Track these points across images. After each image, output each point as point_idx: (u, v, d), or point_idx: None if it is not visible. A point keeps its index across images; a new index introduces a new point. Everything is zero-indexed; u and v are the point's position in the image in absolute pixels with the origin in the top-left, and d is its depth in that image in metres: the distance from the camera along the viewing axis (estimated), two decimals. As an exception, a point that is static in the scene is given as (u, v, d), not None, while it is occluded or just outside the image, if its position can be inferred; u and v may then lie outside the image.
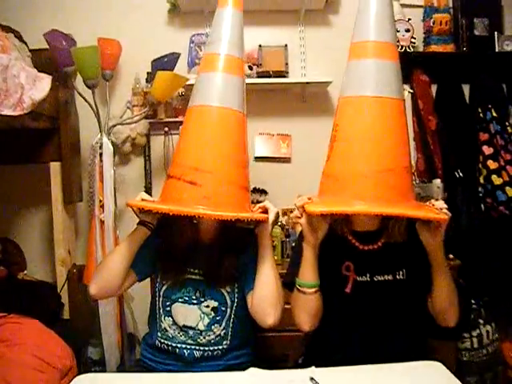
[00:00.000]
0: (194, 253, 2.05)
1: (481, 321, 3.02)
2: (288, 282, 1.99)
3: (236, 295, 2.04)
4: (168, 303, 2.05)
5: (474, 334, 2.99)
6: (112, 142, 3.18)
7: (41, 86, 2.45)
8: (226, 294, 2.03)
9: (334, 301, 1.93)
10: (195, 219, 2.02)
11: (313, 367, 1.75)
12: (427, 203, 1.82)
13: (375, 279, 1.92)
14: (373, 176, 1.70)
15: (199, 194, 1.84)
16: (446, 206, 1.76)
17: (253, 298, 1.97)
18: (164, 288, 2.06)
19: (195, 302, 2.02)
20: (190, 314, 2.02)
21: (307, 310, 1.88)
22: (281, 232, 3.36)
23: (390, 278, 1.92)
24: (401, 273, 1.93)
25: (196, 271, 2.04)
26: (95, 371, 1.88)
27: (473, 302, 3.04)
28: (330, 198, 1.78)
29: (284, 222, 3.45)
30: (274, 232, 3.33)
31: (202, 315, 2.02)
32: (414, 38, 3.42)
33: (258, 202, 3.42)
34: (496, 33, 3.40)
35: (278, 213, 2.02)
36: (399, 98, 1.78)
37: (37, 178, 3.30)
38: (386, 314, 1.91)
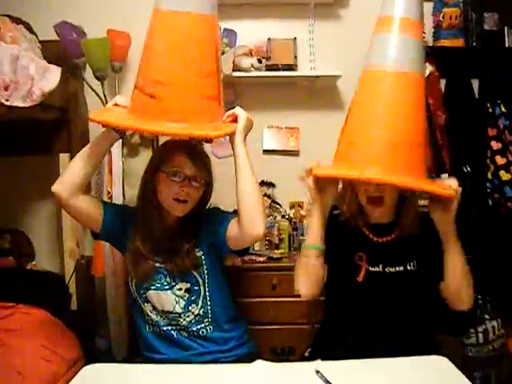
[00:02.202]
0: (158, 245, 2.06)
1: (487, 316, 3.02)
2: None
3: (205, 272, 2.06)
4: (142, 291, 2.08)
5: (480, 329, 2.99)
6: (121, 134, 3.18)
7: (50, 78, 2.46)
8: (195, 273, 2.05)
9: (345, 289, 1.96)
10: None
11: (318, 360, 1.76)
12: (437, 179, 1.84)
13: (387, 270, 1.95)
14: (385, 146, 1.73)
15: (158, 109, 1.79)
16: (456, 183, 1.78)
17: (239, 208, 1.92)
18: (135, 280, 2.08)
19: (167, 287, 2.05)
20: (165, 299, 2.05)
21: (307, 273, 1.89)
22: (288, 225, 3.37)
23: (402, 269, 1.94)
24: (412, 264, 1.95)
25: (160, 261, 2.06)
26: (103, 362, 1.88)
27: (479, 297, 3.04)
28: (341, 164, 1.82)
29: (292, 215, 3.46)
30: (282, 225, 3.34)
31: (177, 298, 2.05)
32: (424, 33, 3.37)
33: (266, 195, 3.47)
34: (506, 28, 3.37)
35: (249, 118, 1.99)
36: (420, 74, 1.81)
37: (46, 169, 3.31)
38: (396, 306, 1.93)
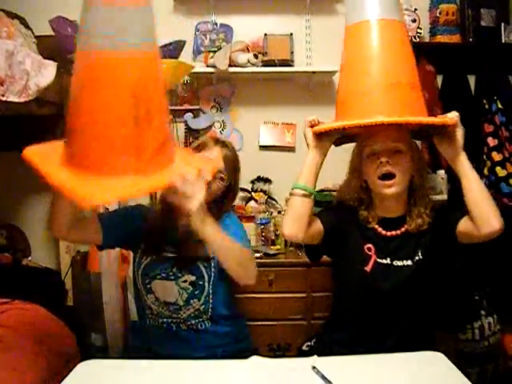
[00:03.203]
0: (171, 233, 2.08)
1: (482, 312, 3.02)
2: None
3: (212, 269, 2.06)
4: (147, 281, 2.08)
5: (476, 325, 2.99)
6: (117, 130, 3.18)
7: (46, 73, 2.45)
8: (202, 268, 2.05)
9: (353, 278, 1.99)
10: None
11: (315, 356, 1.76)
12: (439, 115, 1.89)
13: (395, 264, 1.96)
14: (382, 90, 1.76)
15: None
16: (456, 114, 1.83)
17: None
18: (142, 266, 2.09)
19: (172, 277, 2.05)
20: (169, 289, 2.06)
21: (292, 212, 1.90)
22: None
23: (410, 263, 1.96)
24: (418, 255, 1.96)
25: (172, 250, 2.08)
26: (99, 357, 1.88)
27: (475, 293, 3.05)
28: (340, 120, 1.85)
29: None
30: (278, 221, 3.34)
31: (181, 290, 2.05)
32: (420, 28, 3.40)
33: (262, 190, 3.47)
34: (503, 24, 3.38)
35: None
36: (400, 20, 1.85)
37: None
38: (399, 298, 1.94)
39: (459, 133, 1.83)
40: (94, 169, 1.43)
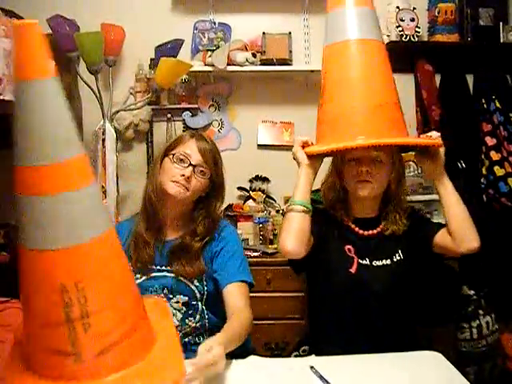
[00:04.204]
0: (160, 249, 2.00)
1: (481, 312, 3.03)
2: None
3: (205, 287, 1.99)
4: None
5: (474, 324, 3.00)
6: (115, 128, 3.18)
7: (44, 72, 2.44)
8: (194, 288, 1.98)
9: (339, 280, 1.97)
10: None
11: (313, 355, 1.77)
12: (421, 135, 1.93)
13: (374, 264, 1.96)
14: (365, 112, 1.76)
15: None
16: (438, 134, 1.85)
17: None
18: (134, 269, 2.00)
19: (164, 299, 1.96)
20: None
21: (293, 228, 1.86)
22: (282, 220, 3.36)
23: (388, 262, 1.97)
24: (397, 254, 1.98)
25: (163, 268, 2.00)
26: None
27: (473, 292, 3.05)
28: (328, 140, 1.83)
29: (286, 210, 3.45)
30: (276, 220, 3.35)
31: (174, 311, 1.98)
32: (419, 28, 3.40)
33: (260, 189, 3.47)
34: (501, 23, 3.39)
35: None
36: (380, 40, 1.86)
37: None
38: (384, 297, 1.95)
39: (441, 151, 1.84)
40: (37, 370, 1.36)
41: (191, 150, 1.96)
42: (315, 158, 1.87)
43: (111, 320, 1.35)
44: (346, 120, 1.78)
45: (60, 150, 1.29)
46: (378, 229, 1.99)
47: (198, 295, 1.98)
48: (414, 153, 1.97)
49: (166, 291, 1.98)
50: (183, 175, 1.91)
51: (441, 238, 1.90)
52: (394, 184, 1.97)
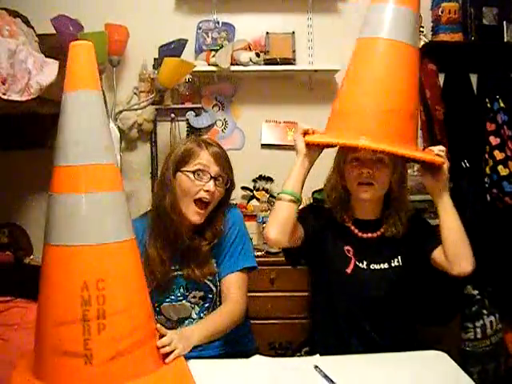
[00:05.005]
0: (174, 250, 1.98)
1: (484, 311, 3.02)
2: None
3: (218, 279, 2.01)
4: (156, 305, 1.99)
5: (478, 324, 3.00)
6: (119, 128, 3.18)
7: (48, 72, 2.45)
8: (208, 282, 2.00)
9: (334, 279, 1.98)
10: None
11: (317, 355, 1.76)
12: (426, 149, 1.86)
13: (372, 267, 1.96)
14: (377, 114, 1.73)
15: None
16: (443, 148, 1.81)
17: None
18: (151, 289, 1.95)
19: (181, 298, 2.01)
20: (181, 308, 2.01)
21: (278, 217, 1.85)
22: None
23: (386, 266, 1.97)
24: (396, 260, 1.97)
25: (177, 268, 2.00)
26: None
27: (477, 292, 3.05)
28: (333, 133, 1.83)
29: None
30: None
31: (192, 305, 2.01)
32: (422, 27, 3.39)
33: (264, 189, 3.47)
34: (505, 22, 3.37)
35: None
36: (414, 45, 1.79)
37: (44, 163, 3.29)
38: (380, 300, 1.95)
39: (445, 167, 1.79)
40: (49, 378, 1.40)
41: (207, 160, 1.91)
42: (314, 149, 1.86)
43: (126, 326, 1.40)
44: (354, 117, 1.76)
45: (99, 155, 1.42)
46: (379, 232, 1.98)
47: (214, 288, 2.01)
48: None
49: (182, 290, 2.00)
50: (207, 191, 1.89)
51: (438, 254, 1.89)
52: (396, 185, 1.95)
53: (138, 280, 1.49)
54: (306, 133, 1.87)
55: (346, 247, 1.98)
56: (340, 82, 3.48)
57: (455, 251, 1.82)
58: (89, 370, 1.35)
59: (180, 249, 1.97)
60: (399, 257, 1.97)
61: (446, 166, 1.79)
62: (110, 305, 1.37)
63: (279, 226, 1.83)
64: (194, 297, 2.01)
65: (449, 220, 1.83)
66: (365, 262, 1.96)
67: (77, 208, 1.40)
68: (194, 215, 1.91)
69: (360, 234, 1.99)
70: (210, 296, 2.02)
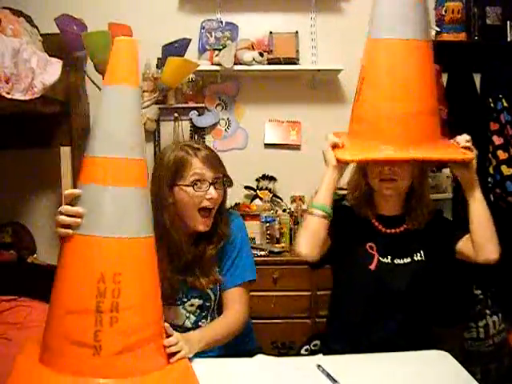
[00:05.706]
0: (177, 263, 1.93)
1: (487, 311, 3.02)
2: None
3: (218, 287, 1.98)
4: None
5: (481, 324, 2.99)
6: (122, 127, 3.18)
7: (52, 71, 2.45)
8: (208, 290, 1.96)
9: (357, 276, 1.99)
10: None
11: (320, 355, 1.77)
12: (452, 141, 1.88)
13: (396, 262, 1.97)
14: (400, 119, 1.74)
15: None
16: (469, 138, 1.84)
17: None
18: None
19: (179, 302, 1.97)
20: (175, 314, 1.97)
21: (309, 231, 1.85)
22: (289, 219, 3.37)
23: (409, 260, 1.97)
24: (418, 254, 1.98)
25: (181, 277, 1.95)
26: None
27: (480, 292, 3.05)
28: (358, 143, 1.82)
29: (293, 209, 3.46)
30: (283, 219, 3.35)
31: (188, 314, 1.98)
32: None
33: (267, 188, 3.47)
34: (508, 22, 3.37)
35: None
36: (427, 39, 1.78)
37: (47, 162, 3.31)
38: (402, 296, 1.95)
39: (474, 162, 1.83)
40: (55, 365, 1.39)
41: (200, 168, 1.85)
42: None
43: (137, 321, 1.41)
44: (378, 123, 1.77)
45: (131, 150, 1.44)
46: (402, 227, 2.00)
47: (213, 296, 1.98)
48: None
49: (180, 295, 1.97)
50: (210, 198, 1.86)
51: (463, 244, 1.90)
52: (416, 182, 1.96)
53: (152, 278, 1.50)
54: (335, 146, 1.85)
55: (369, 244, 1.98)
56: (343, 81, 3.53)
57: (482, 238, 1.84)
58: (96, 362, 1.35)
59: (183, 260, 1.93)
60: (421, 251, 1.98)
61: (474, 160, 1.82)
62: (125, 299, 1.37)
63: (310, 241, 1.84)
64: (192, 305, 1.97)
65: (479, 207, 1.85)
66: (389, 257, 1.97)
67: (103, 199, 1.41)
68: (201, 224, 1.89)
69: (384, 229, 2.00)
70: (208, 304, 1.98)
